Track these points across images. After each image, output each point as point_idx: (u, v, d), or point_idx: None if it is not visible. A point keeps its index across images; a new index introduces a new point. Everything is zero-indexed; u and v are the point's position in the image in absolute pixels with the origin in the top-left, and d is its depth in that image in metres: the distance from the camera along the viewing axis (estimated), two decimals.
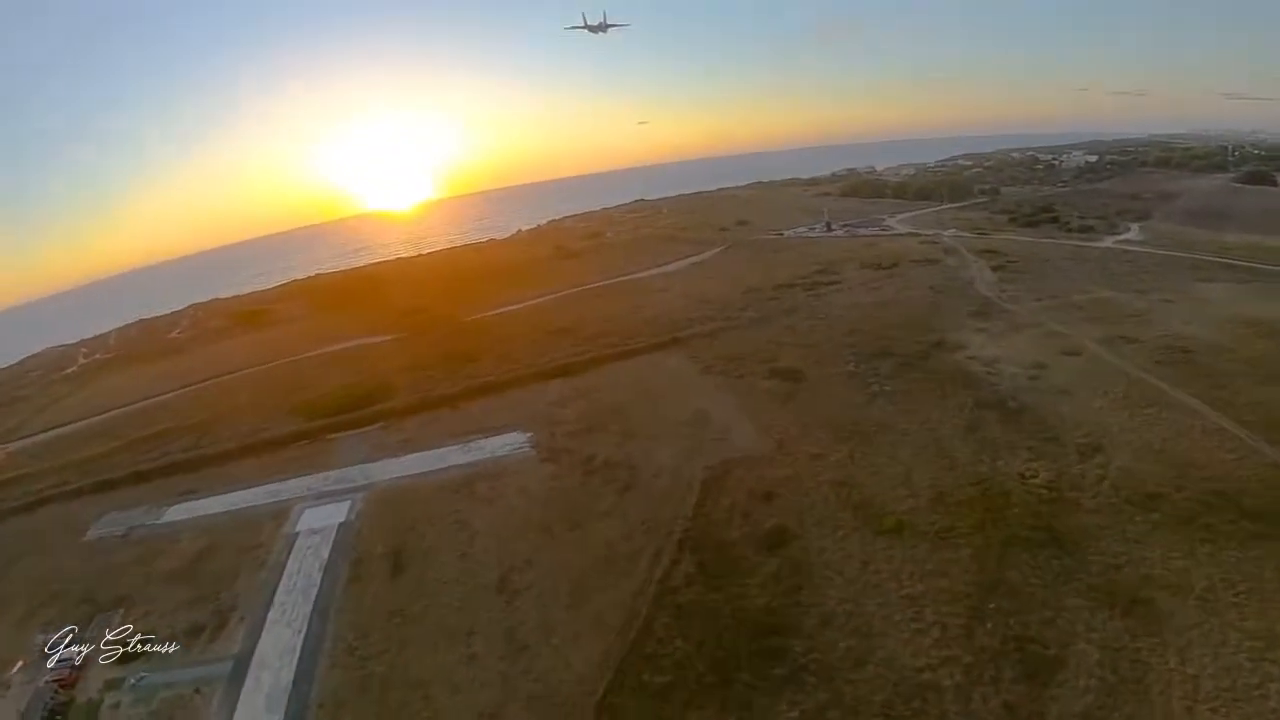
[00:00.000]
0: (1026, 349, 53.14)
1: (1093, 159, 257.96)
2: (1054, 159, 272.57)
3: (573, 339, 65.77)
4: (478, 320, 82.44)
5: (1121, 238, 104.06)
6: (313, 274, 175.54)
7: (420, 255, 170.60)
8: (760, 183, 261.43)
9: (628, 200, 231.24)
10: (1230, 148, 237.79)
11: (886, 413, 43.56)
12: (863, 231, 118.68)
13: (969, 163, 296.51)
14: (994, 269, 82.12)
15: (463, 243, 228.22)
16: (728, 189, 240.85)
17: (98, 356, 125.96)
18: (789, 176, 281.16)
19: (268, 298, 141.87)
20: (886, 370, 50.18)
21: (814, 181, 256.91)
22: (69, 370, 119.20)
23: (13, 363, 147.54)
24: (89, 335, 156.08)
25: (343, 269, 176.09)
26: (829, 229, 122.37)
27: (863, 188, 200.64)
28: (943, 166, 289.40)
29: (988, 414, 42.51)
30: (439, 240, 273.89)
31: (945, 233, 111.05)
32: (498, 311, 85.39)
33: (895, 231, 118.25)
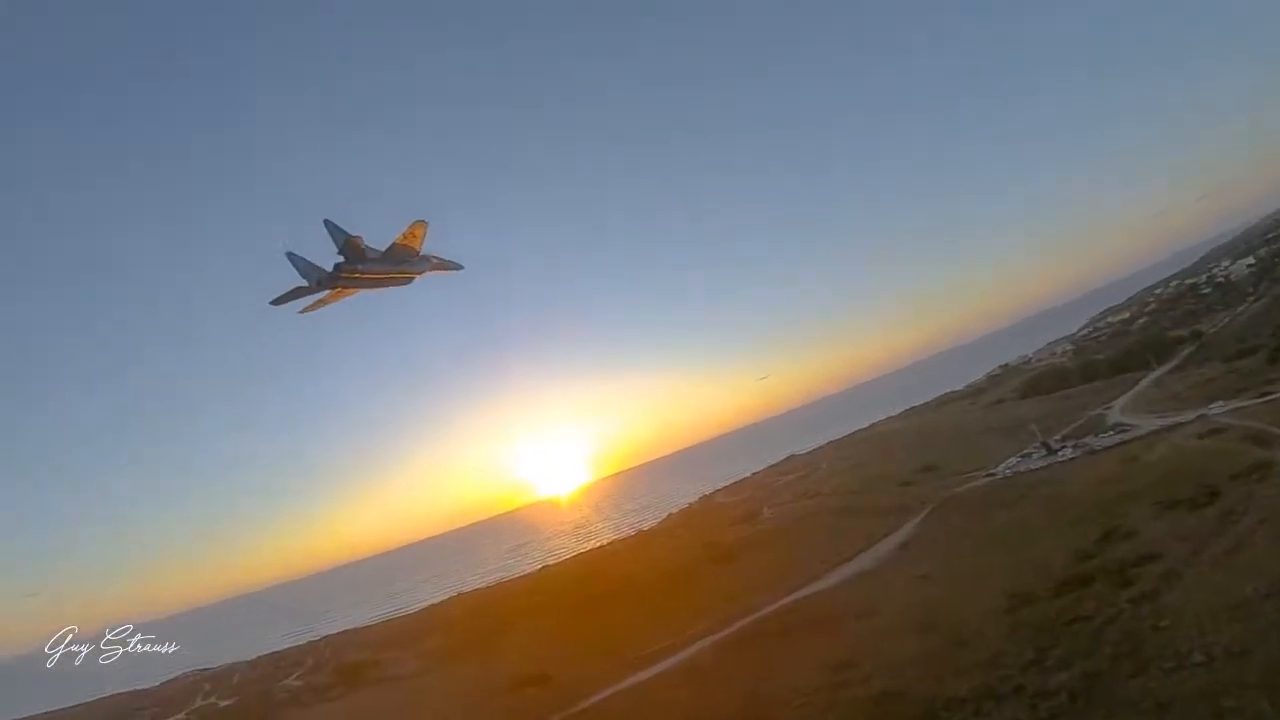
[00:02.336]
0: None
1: (1251, 262, 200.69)
2: (1217, 275, 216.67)
3: None
4: (608, 705, 52.75)
5: None
6: (453, 595, 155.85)
7: (563, 563, 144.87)
8: (914, 408, 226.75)
9: (776, 458, 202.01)
10: None
11: None
12: (1099, 443, 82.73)
13: (1127, 314, 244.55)
14: None
15: (614, 532, 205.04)
16: (883, 423, 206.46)
17: (213, 701, 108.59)
18: (942, 392, 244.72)
19: (391, 635, 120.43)
20: None
21: (975, 391, 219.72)
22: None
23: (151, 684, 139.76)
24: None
25: (484, 586, 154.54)
26: (1050, 450, 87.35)
27: (1043, 381, 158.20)
28: (1100, 330, 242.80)
29: None
30: (593, 526, 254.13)
31: (1210, 410, 75.96)
32: (631, 681, 55.72)
33: (1138, 429, 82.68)
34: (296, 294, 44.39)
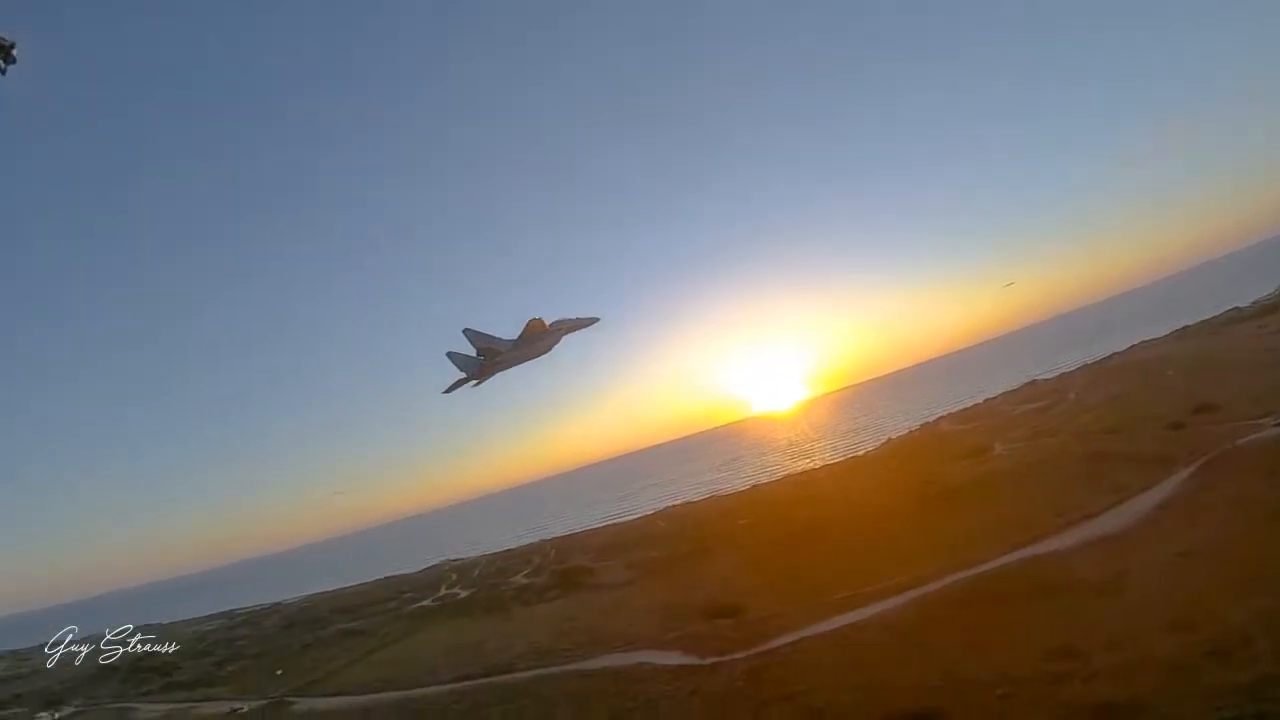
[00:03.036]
0: None
1: None
2: None
3: None
4: (795, 649, 50.19)
5: None
6: (667, 506, 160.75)
7: (773, 483, 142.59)
8: (1187, 328, 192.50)
9: (1015, 381, 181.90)
10: None
11: None
12: None
13: None
14: None
15: (828, 454, 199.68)
16: (1147, 346, 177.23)
17: (455, 591, 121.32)
18: (1222, 309, 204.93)
19: (607, 541, 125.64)
20: None
21: (1266, 309, 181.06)
22: (420, 603, 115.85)
23: (415, 569, 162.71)
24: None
25: (696, 499, 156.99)
26: None
27: None
28: None
29: None
30: (807, 445, 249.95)
31: None
32: (821, 628, 52.36)
33: None
34: (460, 384, 55.12)
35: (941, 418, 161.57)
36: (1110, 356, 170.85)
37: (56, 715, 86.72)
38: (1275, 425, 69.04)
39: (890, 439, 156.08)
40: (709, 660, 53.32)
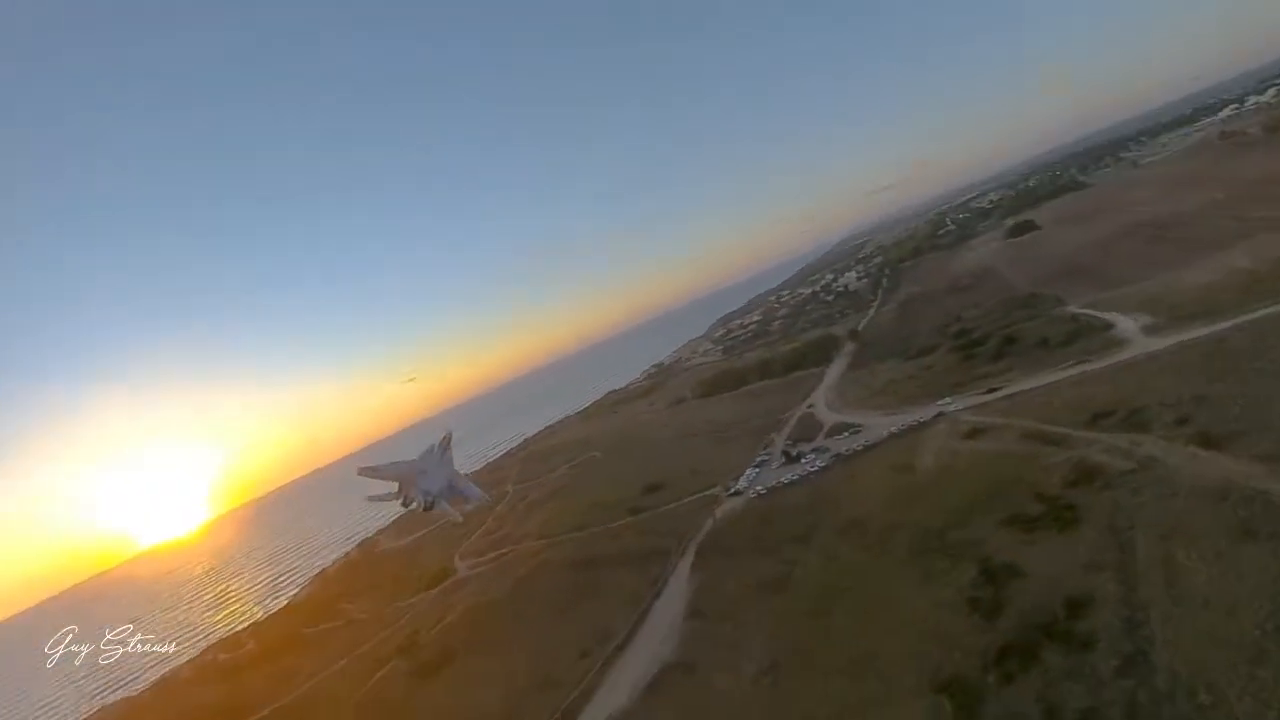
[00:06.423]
0: None
1: (860, 274, 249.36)
2: (837, 285, 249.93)
3: None
4: None
5: None
6: None
7: (177, 682, 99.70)
8: (584, 411, 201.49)
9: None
10: None
11: None
12: (843, 447, 68.95)
13: (758, 316, 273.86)
14: None
15: (255, 599, 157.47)
16: (553, 428, 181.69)
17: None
18: (601, 394, 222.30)
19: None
20: None
21: (644, 390, 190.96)
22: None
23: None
24: None
25: None
26: (792, 458, 71.97)
27: (723, 379, 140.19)
28: (734, 332, 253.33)
29: None
30: (226, 586, 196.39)
31: (949, 408, 66.78)
32: None
33: (873, 429, 70.72)
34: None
35: (380, 532, 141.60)
36: (525, 444, 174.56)
37: None
38: (729, 495, 68.32)
39: (324, 571, 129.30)
40: None
